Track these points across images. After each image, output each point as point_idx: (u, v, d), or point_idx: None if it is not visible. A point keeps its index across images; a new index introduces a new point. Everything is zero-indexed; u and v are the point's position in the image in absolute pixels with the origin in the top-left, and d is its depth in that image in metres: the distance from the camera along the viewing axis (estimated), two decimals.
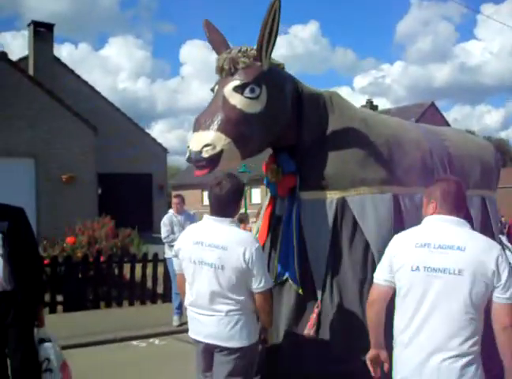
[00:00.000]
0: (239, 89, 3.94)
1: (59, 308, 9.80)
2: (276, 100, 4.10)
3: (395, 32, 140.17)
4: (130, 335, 8.25)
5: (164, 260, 9.42)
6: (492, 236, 5.43)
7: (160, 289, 10.87)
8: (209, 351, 3.71)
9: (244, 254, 3.49)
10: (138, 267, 10.82)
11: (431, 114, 34.60)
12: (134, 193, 25.44)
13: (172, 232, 8.58)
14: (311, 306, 4.20)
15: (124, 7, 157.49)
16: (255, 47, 4.06)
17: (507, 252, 18.35)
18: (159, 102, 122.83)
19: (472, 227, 4.85)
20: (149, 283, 10.84)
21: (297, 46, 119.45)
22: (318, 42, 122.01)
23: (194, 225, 4.04)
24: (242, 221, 9.41)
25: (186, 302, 3.81)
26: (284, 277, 4.35)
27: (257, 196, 39.89)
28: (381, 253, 3.77)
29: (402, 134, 4.87)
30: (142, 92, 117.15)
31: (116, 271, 10.66)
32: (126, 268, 10.73)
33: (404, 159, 4.69)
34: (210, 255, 3.58)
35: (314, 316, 4.12)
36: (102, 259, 10.51)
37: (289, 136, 4.37)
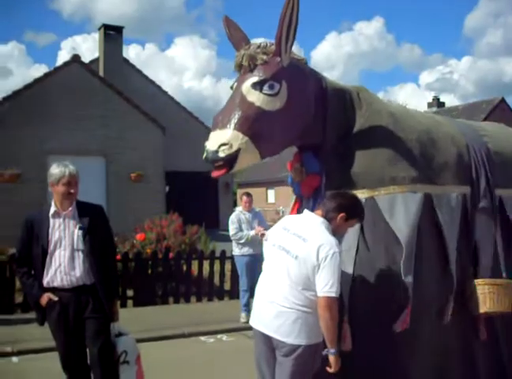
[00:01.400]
0: (258, 86, 3.83)
1: (129, 303, 10.03)
2: (297, 97, 3.94)
3: (463, 26, 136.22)
4: (198, 330, 8.38)
5: (232, 258, 9.50)
6: None
7: (227, 286, 10.98)
8: (267, 343, 3.65)
9: (320, 251, 3.45)
10: (206, 264, 10.95)
11: (501, 110, 33.30)
12: (201, 191, 25.76)
13: (240, 229, 8.63)
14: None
15: (190, 7, 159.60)
16: (274, 43, 3.92)
17: None
18: (224, 100, 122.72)
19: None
20: (216, 280, 10.97)
21: (362, 43, 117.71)
22: (383, 38, 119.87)
23: (292, 215, 4.08)
24: None
25: (257, 288, 3.81)
26: None
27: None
28: (409, 253, 3.84)
29: (436, 129, 4.60)
30: (207, 91, 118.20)
31: (184, 267, 10.80)
32: (194, 264, 10.87)
33: (437, 155, 4.42)
34: (291, 242, 3.59)
35: (345, 329, 3.78)
36: (170, 255, 10.67)
37: (314, 134, 4.17)
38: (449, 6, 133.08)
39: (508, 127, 5.94)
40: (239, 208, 9.02)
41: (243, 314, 8.70)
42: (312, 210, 3.91)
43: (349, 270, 3.91)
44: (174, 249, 11.06)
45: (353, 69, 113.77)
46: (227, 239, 8.91)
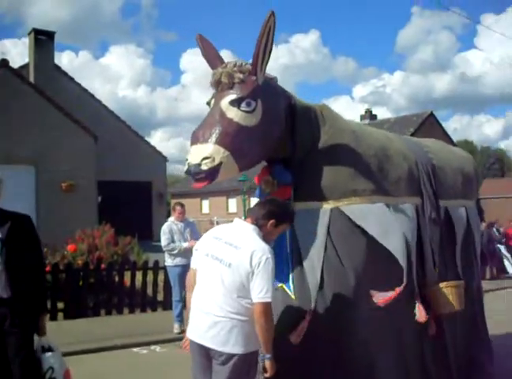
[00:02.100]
0: (236, 103, 4.05)
1: (60, 315, 9.81)
2: (270, 113, 4.19)
3: (396, 42, 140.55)
4: (131, 342, 8.28)
5: (165, 268, 9.44)
6: (474, 244, 5.95)
7: (160, 296, 10.90)
8: (204, 355, 3.67)
9: (253, 258, 3.51)
10: (139, 274, 10.84)
11: (429, 123, 34.57)
12: (134, 201, 25.48)
13: (172, 240, 8.59)
14: (305, 314, 4.18)
15: (125, 15, 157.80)
16: (249, 62, 4.17)
17: (506, 261, 18.38)
18: (159, 110, 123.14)
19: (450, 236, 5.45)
20: (150, 291, 10.86)
21: (298, 56, 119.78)
22: (318, 51, 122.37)
23: (223, 225, 4.10)
24: None
25: (192, 299, 3.81)
26: (279, 285, 4.35)
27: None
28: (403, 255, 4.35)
29: (390, 146, 5.05)
30: (142, 100, 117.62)
31: (117, 278, 10.66)
32: (127, 275, 10.74)
33: (392, 170, 4.88)
34: (223, 251, 3.64)
35: (304, 324, 4.10)
36: (102, 266, 10.52)
37: (283, 148, 4.46)
38: (382, 20, 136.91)
39: (445, 143, 6.75)
40: (171, 219, 8.98)
41: (176, 325, 8.67)
42: None
43: (317, 275, 4.22)
44: (106, 259, 10.89)
45: (289, 80, 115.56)
46: (161, 250, 8.85)
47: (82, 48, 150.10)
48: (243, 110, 4.05)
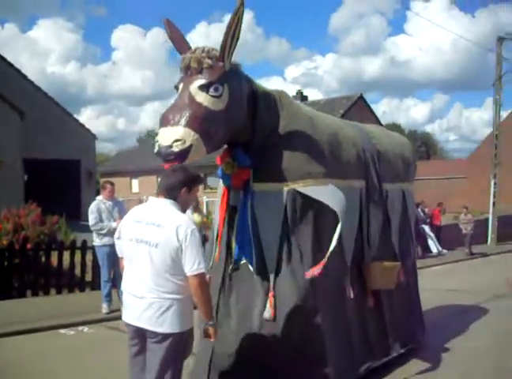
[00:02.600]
0: (205, 88, 4.24)
1: None
2: (235, 98, 4.43)
3: (329, 24, 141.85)
4: (58, 323, 8.13)
5: (93, 248, 9.32)
6: (410, 224, 6.70)
7: (88, 277, 10.75)
8: (141, 336, 3.74)
9: (178, 233, 3.56)
10: (66, 254, 10.64)
11: (359, 106, 35.15)
12: (62, 180, 24.89)
13: (100, 220, 8.47)
14: (266, 288, 4.74)
15: None
16: (216, 48, 4.41)
17: (429, 240, 19.24)
18: (89, 87, 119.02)
19: (389, 217, 6.19)
20: (78, 271, 10.70)
21: None
22: (252, 31, 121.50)
23: (139, 206, 4.10)
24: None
25: (123, 284, 3.87)
26: (242, 262, 4.89)
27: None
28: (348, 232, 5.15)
29: (340, 132, 5.53)
30: (72, 77, 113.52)
31: (43, 258, 10.45)
32: (54, 255, 10.52)
33: (342, 155, 5.39)
34: (147, 232, 3.66)
35: (271, 299, 4.65)
36: (28, 246, 10.28)
37: (244, 132, 4.72)
38: (316, 2, 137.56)
39: (385, 129, 7.52)
40: (99, 197, 8.82)
41: (105, 305, 8.60)
42: (243, 200, 4.77)
43: (274, 252, 4.72)
44: (32, 239, 10.66)
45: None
46: (89, 229, 8.71)
47: (8, 21, 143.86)
48: (211, 95, 4.24)
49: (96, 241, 8.64)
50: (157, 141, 4.08)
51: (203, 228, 11.29)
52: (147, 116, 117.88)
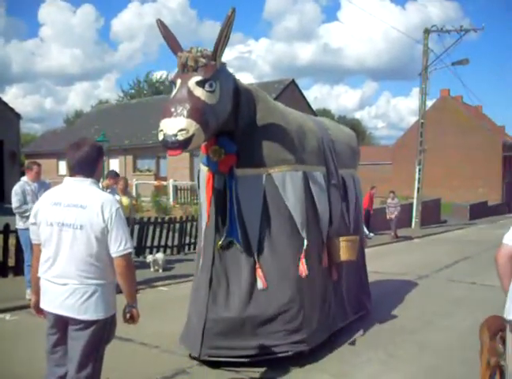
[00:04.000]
0: (201, 84, 4.86)
1: None
2: (225, 93, 5.11)
3: (264, 9, 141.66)
4: None
5: (16, 232, 8.97)
6: (359, 205, 7.86)
7: (11, 262, 10.33)
8: (62, 324, 3.58)
9: (103, 213, 3.45)
10: None
11: (291, 91, 35.38)
12: None
13: (25, 202, 8.14)
14: (251, 262, 5.55)
15: None
16: (208, 49, 5.05)
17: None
18: (14, 64, 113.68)
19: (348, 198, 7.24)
20: None
21: (165, 16, 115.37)
22: (186, 13, 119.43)
23: (53, 188, 3.89)
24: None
25: (40, 271, 3.64)
26: (230, 239, 5.60)
27: (115, 166, 39.63)
28: (303, 219, 5.73)
29: (304, 124, 6.38)
30: None
31: None
32: None
33: (307, 144, 6.16)
34: (69, 215, 3.49)
35: (258, 271, 5.51)
36: None
37: (229, 122, 5.38)
38: None
39: (335, 122, 8.78)
40: (24, 178, 8.46)
41: (29, 291, 8.30)
42: (229, 184, 5.51)
43: (256, 230, 5.53)
44: None
45: (154, 41, 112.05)
46: (13, 212, 8.36)
47: None
48: (207, 90, 4.88)
49: (20, 224, 8.30)
50: (161, 130, 4.60)
51: (133, 211, 11.15)
52: (76, 96, 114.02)
